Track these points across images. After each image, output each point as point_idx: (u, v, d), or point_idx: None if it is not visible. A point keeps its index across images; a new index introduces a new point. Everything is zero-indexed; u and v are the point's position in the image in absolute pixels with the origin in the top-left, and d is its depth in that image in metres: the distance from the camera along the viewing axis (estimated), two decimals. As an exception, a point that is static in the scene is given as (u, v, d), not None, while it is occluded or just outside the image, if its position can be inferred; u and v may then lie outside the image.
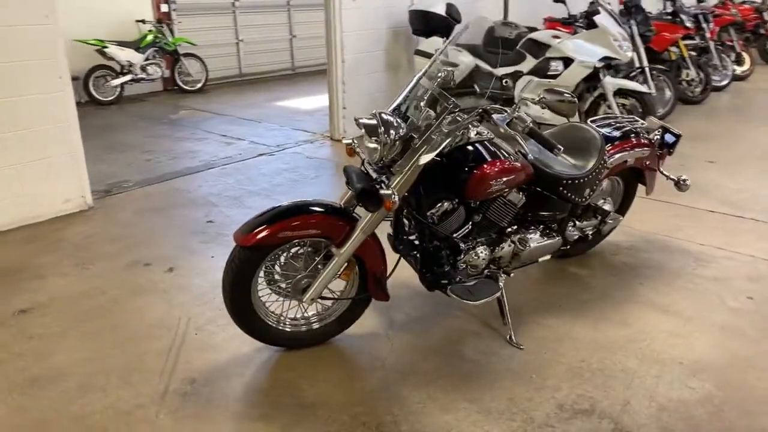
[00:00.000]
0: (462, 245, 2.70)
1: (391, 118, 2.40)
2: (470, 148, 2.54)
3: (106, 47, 8.01)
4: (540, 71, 5.63)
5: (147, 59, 8.45)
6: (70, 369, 2.56)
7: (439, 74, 2.58)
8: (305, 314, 2.69)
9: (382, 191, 2.28)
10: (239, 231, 2.41)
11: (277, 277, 2.56)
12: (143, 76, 8.42)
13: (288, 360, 2.62)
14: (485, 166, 2.50)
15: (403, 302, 3.04)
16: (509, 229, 2.88)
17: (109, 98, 8.19)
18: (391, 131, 2.35)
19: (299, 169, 5.33)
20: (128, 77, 8.28)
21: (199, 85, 9.14)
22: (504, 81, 5.84)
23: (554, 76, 5.55)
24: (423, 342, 2.74)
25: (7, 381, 2.48)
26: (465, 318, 2.91)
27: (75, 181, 4.28)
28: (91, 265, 3.49)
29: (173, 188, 4.87)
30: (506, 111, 2.54)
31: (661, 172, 3.44)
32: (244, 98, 8.80)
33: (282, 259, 2.55)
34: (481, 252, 2.73)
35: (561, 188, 2.87)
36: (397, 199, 2.28)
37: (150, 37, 8.45)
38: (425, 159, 2.35)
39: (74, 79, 7.94)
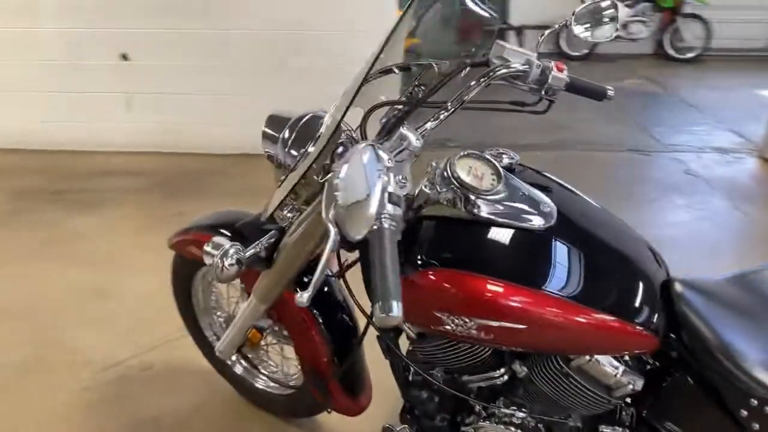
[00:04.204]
0: (478, 406, 1.40)
1: (324, 122, 1.31)
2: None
3: None
4: None
5: (634, 15, 7.32)
6: (72, 295, 2.59)
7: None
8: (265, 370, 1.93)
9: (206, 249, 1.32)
10: None
11: None
12: (621, 33, 7.35)
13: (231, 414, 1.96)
14: (441, 271, 1.14)
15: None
16: (609, 429, 1.32)
17: (577, 53, 7.54)
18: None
19: (642, 183, 3.80)
20: (604, 33, 7.38)
21: (692, 54, 7.44)
22: None
23: None
24: None
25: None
26: None
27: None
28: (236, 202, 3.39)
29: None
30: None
31: None
32: (737, 77, 6.72)
33: None
34: (515, 436, 1.36)
35: (746, 412, 1.10)
36: (228, 270, 1.28)
37: (645, -9, 7.27)
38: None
39: (546, 27, 7.70)
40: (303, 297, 0.89)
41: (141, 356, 2.21)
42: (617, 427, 1.31)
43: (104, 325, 2.38)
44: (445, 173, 1.16)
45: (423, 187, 1.21)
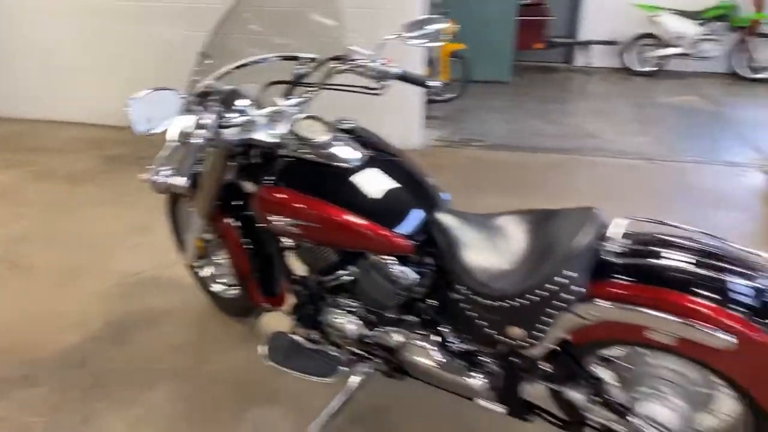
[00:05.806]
0: (325, 294, 2.01)
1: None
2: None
3: (659, 15, 7.41)
4: None
5: (705, 34, 7.33)
6: (124, 229, 3.38)
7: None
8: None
9: None
10: None
11: None
12: (691, 52, 7.39)
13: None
14: (268, 189, 1.79)
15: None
16: (409, 318, 1.87)
17: (644, 69, 7.65)
18: None
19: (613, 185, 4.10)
20: (673, 50, 7.44)
21: (767, 75, 7.32)
22: None
23: None
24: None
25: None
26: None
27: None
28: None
29: (497, 159, 4.67)
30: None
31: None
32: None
33: None
34: (347, 321, 1.95)
35: (458, 295, 1.62)
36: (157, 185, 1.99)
37: (716, 10, 7.23)
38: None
39: (612, 43, 7.86)
40: (178, 180, 1.58)
41: (154, 271, 3.01)
42: (414, 317, 1.85)
43: (137, 250, 3.21)
44: (290, 127, 1.80)
45: (282, 138, 1.85)
